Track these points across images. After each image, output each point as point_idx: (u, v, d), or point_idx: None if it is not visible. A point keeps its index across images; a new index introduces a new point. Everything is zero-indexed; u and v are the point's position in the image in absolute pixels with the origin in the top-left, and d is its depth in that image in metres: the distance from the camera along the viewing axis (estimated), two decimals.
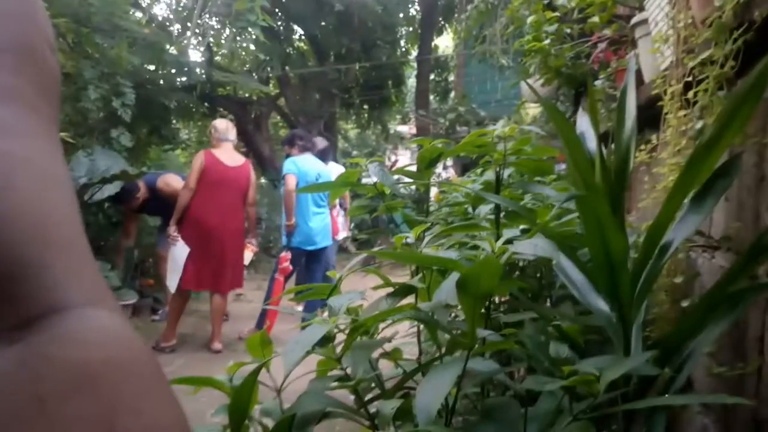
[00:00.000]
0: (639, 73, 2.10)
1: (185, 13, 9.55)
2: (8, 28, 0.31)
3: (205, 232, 4.51)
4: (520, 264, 1.86)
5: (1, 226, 0.22)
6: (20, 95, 0.29)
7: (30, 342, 0.21)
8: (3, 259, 0.21)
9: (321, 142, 5.71)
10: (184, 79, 7.31)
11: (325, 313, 1.18)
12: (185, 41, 8.50)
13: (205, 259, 4.52)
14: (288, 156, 5.26)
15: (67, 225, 0.25)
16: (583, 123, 1.42)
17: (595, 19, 2.72)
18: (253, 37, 7.48)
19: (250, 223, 4.88)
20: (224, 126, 4.81)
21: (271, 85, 11.08)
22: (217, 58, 10.71)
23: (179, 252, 4.49)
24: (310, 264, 5.20)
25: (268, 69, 9.64)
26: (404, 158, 15.26)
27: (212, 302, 4.70)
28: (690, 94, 1.37)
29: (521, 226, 1.47)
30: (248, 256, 4.94)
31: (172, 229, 4.53)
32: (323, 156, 5.49)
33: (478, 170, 2.43)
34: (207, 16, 9.67)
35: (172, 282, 4.52)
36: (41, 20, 0.34)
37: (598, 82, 2.63)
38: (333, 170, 5.46)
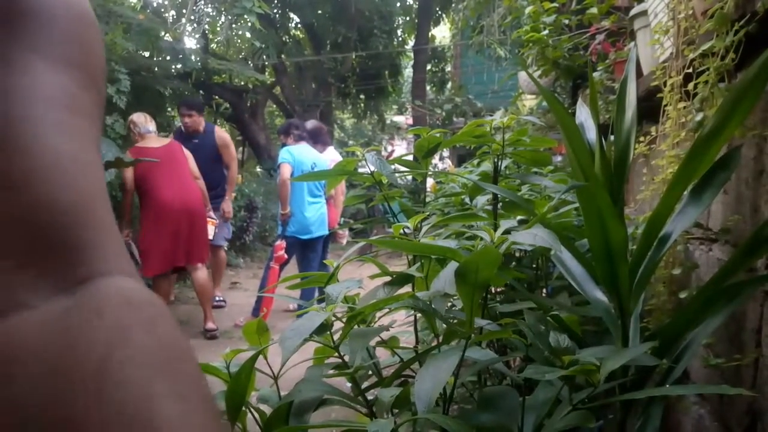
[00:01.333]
0: (637, 65, 2.09)
1: (180, 0, 9.47)
2: (81, 51, 0.39)
3: (163, 214, 4.53)
4: (517, 255, 1.87)
5: (72, 210, 0.30)
6: (85, 110, 0.37)
7: (86, 293, 0.28)
8: (72, 236, 0.30)
9: (311, 123, 5.70)
10: (179, 66, 7.26)
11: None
12: (180, 28, 8.44)
13: (172, 239, 4.54)
14: (284, 145, 5.25)
15: (108, 213, 0.34)
16: (583, 114, 1.42)
17: (594, 10, 2.71)
18: (249, 24, 7.40)
19: (204, 195, 4.86)
20: (142, 119, 4.75)
21: (267, 73, 11.01)
22: (213, 45, 10.64)
23: None
24: (306, 253, 5.20)
25: (264, 57, 9.58)
26: (400, 148, 15.23)
27: (194, 283, 4.74)
28: (690, 86, 1.37)
29: (518, 217, 1.47)
30: (210, 230, 4.94)
31: (124, 233, 4.66)
32: (315, 138, 5.47)
33: (475, 161, 2.43)
34: (202, 2, 9.60)
35: None
36: (101, 51, 0.43)
37: (596, 74, 2.63)
38: (328, 157, 5.42)
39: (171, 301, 5.00)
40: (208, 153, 5.37)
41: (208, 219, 4.91)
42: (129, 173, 4.56)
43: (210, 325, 4.64)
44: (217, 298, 5.64)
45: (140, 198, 4.67)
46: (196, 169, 4.84)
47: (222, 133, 5.61)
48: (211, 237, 4.94)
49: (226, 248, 6.02)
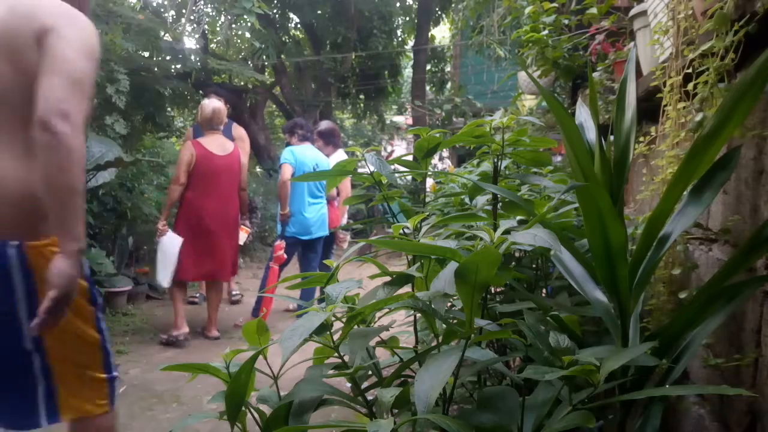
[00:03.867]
0: (637, 65, 2.09)
1: (180, 0, 9.47)
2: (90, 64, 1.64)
3: (202, 225, 4.44)
4: (517, 255, 1.87)
5: None
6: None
7: None
8: None
9: (325, 124, 5.69)
10: (178, 66, 7.24)
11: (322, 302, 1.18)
12: (180, 28, 8.44)
13: (204, 251, 4.46)
14: (288, 144, 5.24)
15: None
16: (582, 114, 1.42)
17: (593, 10, 2.71)
18: (249, 24, 7.38)
19: (243, 206, 4.82)
20: (217, 114, 4.54)
21: (266, 73, 11.00)
22: (213, 45, 10.63)
23: (169, 245, 4.43)
24: (306, 253, 5.19)
25: (264, 57, 9.56)
26: (400, 149, 15.23)
27: (211, 291, 4.67)
28: (689, 86, 1.37)
29: (518, 217, 1.47)
30: (243, 236, 4.93)
31: (161, 224, 4.44)
32: (327, 139, 5.47)
33: (475, 161, 2.43)
34: (202, 2, 9.59)
35: (163, 277, 4.41)
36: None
37: (595, 74, 2.63)
38: (336, 159, 5.39)
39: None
40: None
41: (242, 226, 4.88)
42: (183, 167, 4.36)
43: (214, 332, 4.63)
44: (234, 293, 5.93)
45: (181, 198, 4.48)
46: (246, 180, 4.75)
47: (239, 128, 5.72)
48: (242, 243, 4.94)
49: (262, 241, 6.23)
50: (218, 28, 10.11)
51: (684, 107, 1.43)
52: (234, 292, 5.95)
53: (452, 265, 1.08)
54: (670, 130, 1.49)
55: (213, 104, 4.60)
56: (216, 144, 4.54)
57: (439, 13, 11.97)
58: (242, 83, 10.48)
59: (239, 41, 11.25)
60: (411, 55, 12.44)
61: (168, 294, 4.58)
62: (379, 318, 1.31)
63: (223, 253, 4.58)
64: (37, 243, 1.40)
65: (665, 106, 1.53)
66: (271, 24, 9.94)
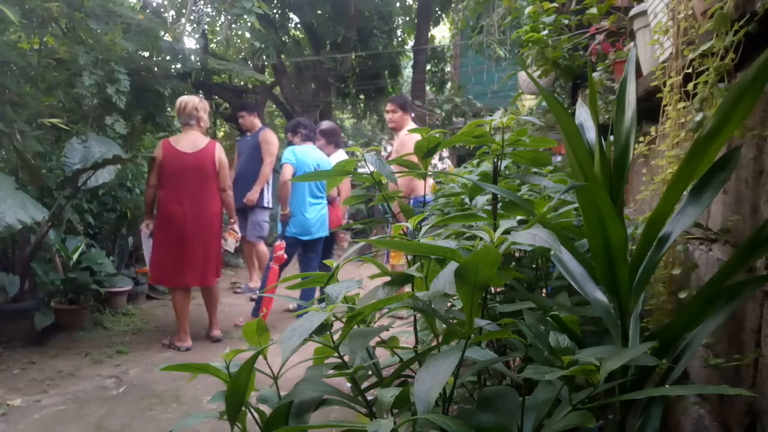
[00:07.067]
0: (637, 65, 2.09)
1: (180, 0, 9.47)
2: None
3: (174, 227, 4.31)
4: (517, 255, 1.87)
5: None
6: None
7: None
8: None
9: (326, 124, 5.70)
10: (178, 66, 7.23)
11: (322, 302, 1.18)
12: (180, 28, 8.43)
13: (182, 255, 4.32)
14: (290, 143, 5.23)
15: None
16: (582, 114, 1.42)
17: (593, 10, 2.72)
18: (249, 24, 7.38)
19: (228, 208, 4.58)
20: (184, 106, 4.42)
21: (266, 73, 11.00)
22: (212, 45, 10.63)
23: (146, 244, 4.46)
24: (307, 253, 5.19)
25: (264, 57, 9.55)
26: None
27: (203, 295, 4.63)
28: (689, 86, 1.37)
29: (518, 217, 1.47)
30: (231, 242, 4.76)
31: (144, 224, 4.40)
32: (329, 138, 5.47)
33: (475, 161, 2.43)
34: (202, 2, 9.59)
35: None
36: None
37: (595, 74, 2.63)
38: (336, 159, 5.39)
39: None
40: (250, 150, 6.02)
41: (231, 231, 4.72)
42: (153, 169, 4.30)
43: (216, 332, 4.60)
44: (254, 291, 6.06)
45: (158, 201, 4.39)
46: (226, 181, 4.53)
47: (266, 132, 6.05)
48: (231, 250, 4.79)
49: (265, 240, 6.28)
50: (218, 28, 10.11)
51: (684, 107, 1.43)
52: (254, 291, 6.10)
53: (452, 265, 1.08)
54: (670, 130, 1.49)
55: (183, 98, 4.50)
56: (186, 141, 4.39)
57: (439, 13, 11.98)
58: (242, 83, 10.48)
59: (239, 41, 11.25)
60: (411, 55, 12.45)
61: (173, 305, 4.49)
62: (380, 318, 1.31)
63: (198, 256, 4.39)
64: None
65: (665, 106, 1.53)
66: (271, 24, 9.93)
